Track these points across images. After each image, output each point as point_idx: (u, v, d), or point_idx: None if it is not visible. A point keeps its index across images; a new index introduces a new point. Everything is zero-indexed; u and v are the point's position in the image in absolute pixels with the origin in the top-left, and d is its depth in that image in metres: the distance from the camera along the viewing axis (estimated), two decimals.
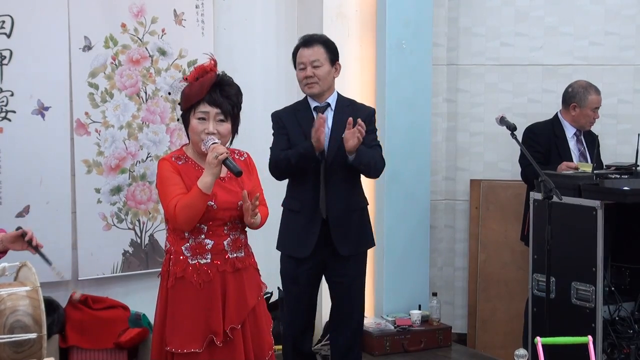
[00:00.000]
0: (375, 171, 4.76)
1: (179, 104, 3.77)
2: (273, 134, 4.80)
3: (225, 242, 3.67)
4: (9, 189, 5.09)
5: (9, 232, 3.76)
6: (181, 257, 3.64)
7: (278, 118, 4.79)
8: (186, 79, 3.73)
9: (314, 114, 4.69)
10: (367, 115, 4.73)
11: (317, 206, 4.63)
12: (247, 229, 3.79)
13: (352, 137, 4.43)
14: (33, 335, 3.39)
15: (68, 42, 5.26)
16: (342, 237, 4.68)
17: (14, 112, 5.10)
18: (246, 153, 3.89)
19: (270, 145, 4.78)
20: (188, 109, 3.67)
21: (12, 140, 5.10)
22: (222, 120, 3.64)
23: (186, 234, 3.65)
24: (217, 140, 3.58)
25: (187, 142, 3.81)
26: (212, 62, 3.71)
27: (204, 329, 3.61)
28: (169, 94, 3.72)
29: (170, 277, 3.65)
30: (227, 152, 3.55)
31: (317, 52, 4.68)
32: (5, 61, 5.06)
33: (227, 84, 3.69)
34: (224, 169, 3.62)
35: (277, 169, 4.67)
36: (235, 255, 3.70)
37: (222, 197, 3.63)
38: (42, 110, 5.19)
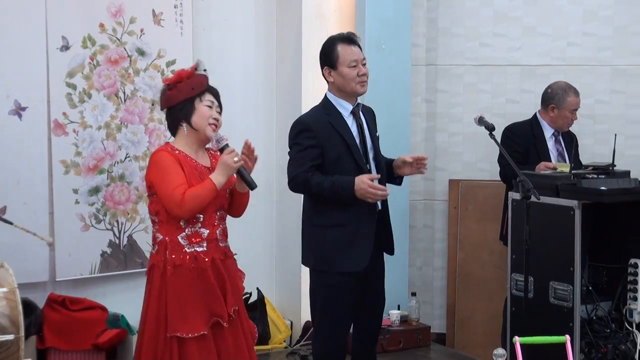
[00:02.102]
0: None
1: (165, 99, 3.97)
2: (297, 144, 4.34)
3: (217, 231, 3.93)
4: None
5: None
6: (178, 246, 3.83)
7: (307, 127, 4.34)
8: (168, 81, 3.99)
9: (351, 117, 4.41)
10: (374, 116, 4.65)
11: (362, 216, 4.34)
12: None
13: (411, 170, 4.46)
14: (10, 337, 3.38)
15: (45, 42, 5.23)
16: (390, 237, 4.55)
17: None
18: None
19: (291, 154, 4.37)
20: (191, 98, 3.89)
21: None
22: (219, 112, 3.98)
23: (182, 224, 3.84)
24: (229, 144, 3.87)
25: (170, 139, 4.06)
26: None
27: (207, 313, 3.82)
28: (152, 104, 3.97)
29: (168, 266, 3.82)
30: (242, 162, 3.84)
31: (360, 52, 4.43)
32: None
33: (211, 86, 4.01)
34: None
35: (300, 189, 4.35)
36: (224, 244, 3.99)
37: None
38: (19, 110, 5.16)
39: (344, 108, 4.41)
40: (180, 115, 3.92)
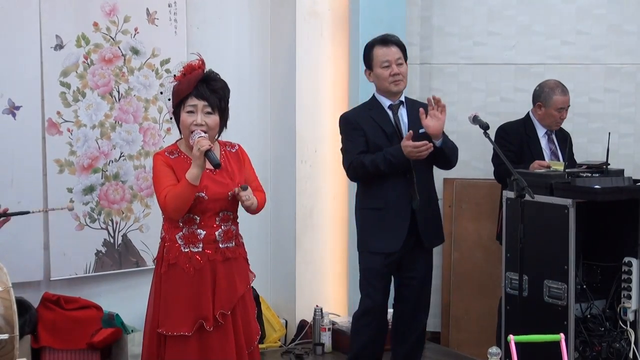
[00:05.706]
0: (456, 157, 4.89)
1: (169, 100, 3.98)
2: (345, 137, 4.79)
3: (217, 233, 3.90)
4: None
5: None
6: (175, 245, 3.86)
7: (351, 120, 4.78)
8: (175, 77, 3.95)
9: (389, 112, 4.74)
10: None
11: (401, 201, 4.66)
12: (238, 220, 4.04)
13: (434, 119, 4.57)
14: (5, 336, 3.38)
15: (39, 41, 5.22)
16: (426, 229, 4.76)
17: None
18: (237, 145, 4.14)
19: (343, 148, 4.80)
20: (178, 105, 3.89)
21: None
22: (209, 113, 3.87)
23: (180, 223, 3.87)
24: (202, 134, 3.79)
25: (180, 137, 4.02)
26: (200, 60, 3.94)
27: (195, 314, 3.83)
28: (161, 93, 3.96)
29: (164, 263, 3.88)
30: (210, 145, 3.76)
31: (397, 51, 4.72)
32: None
33: (214, 79, 3.94)
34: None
35: (359, 173, 4.70)
36: (226, 245, 3.94)
37: (212, 189, 3.87)
38: (13, 109, 5.15)
39: (385, 104, 4.77)
40: (176, 121, 3.97)
